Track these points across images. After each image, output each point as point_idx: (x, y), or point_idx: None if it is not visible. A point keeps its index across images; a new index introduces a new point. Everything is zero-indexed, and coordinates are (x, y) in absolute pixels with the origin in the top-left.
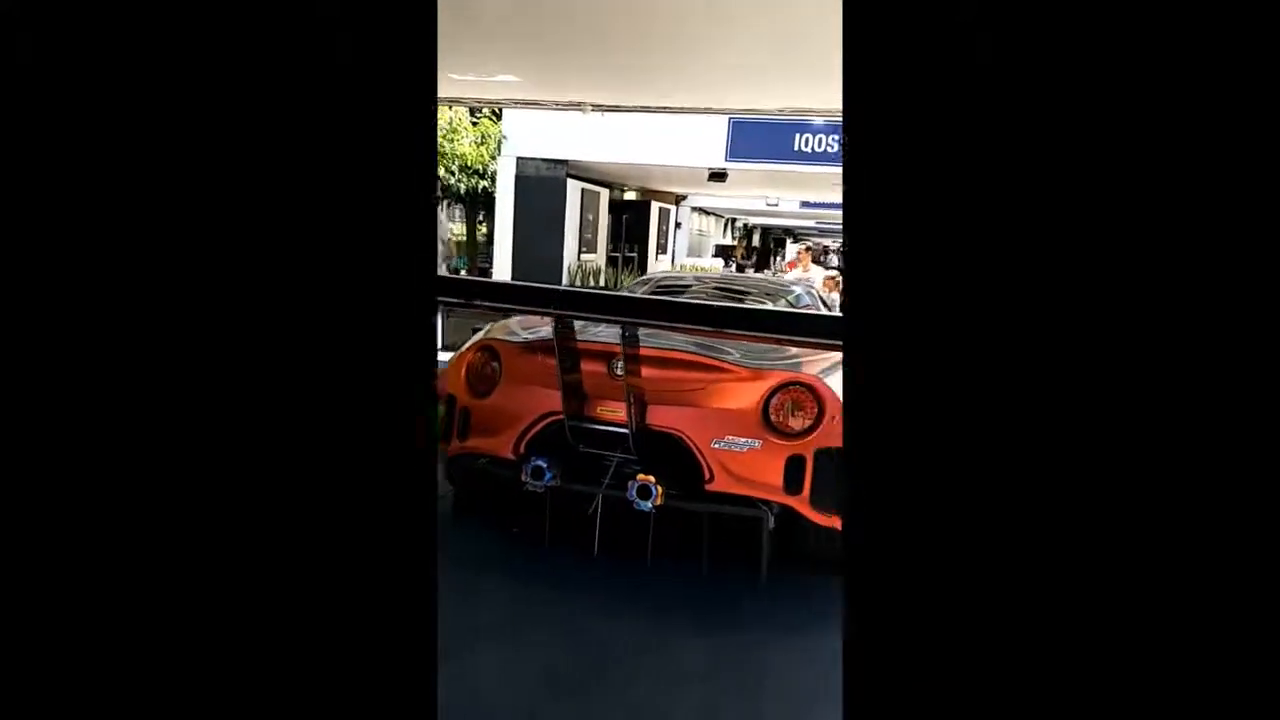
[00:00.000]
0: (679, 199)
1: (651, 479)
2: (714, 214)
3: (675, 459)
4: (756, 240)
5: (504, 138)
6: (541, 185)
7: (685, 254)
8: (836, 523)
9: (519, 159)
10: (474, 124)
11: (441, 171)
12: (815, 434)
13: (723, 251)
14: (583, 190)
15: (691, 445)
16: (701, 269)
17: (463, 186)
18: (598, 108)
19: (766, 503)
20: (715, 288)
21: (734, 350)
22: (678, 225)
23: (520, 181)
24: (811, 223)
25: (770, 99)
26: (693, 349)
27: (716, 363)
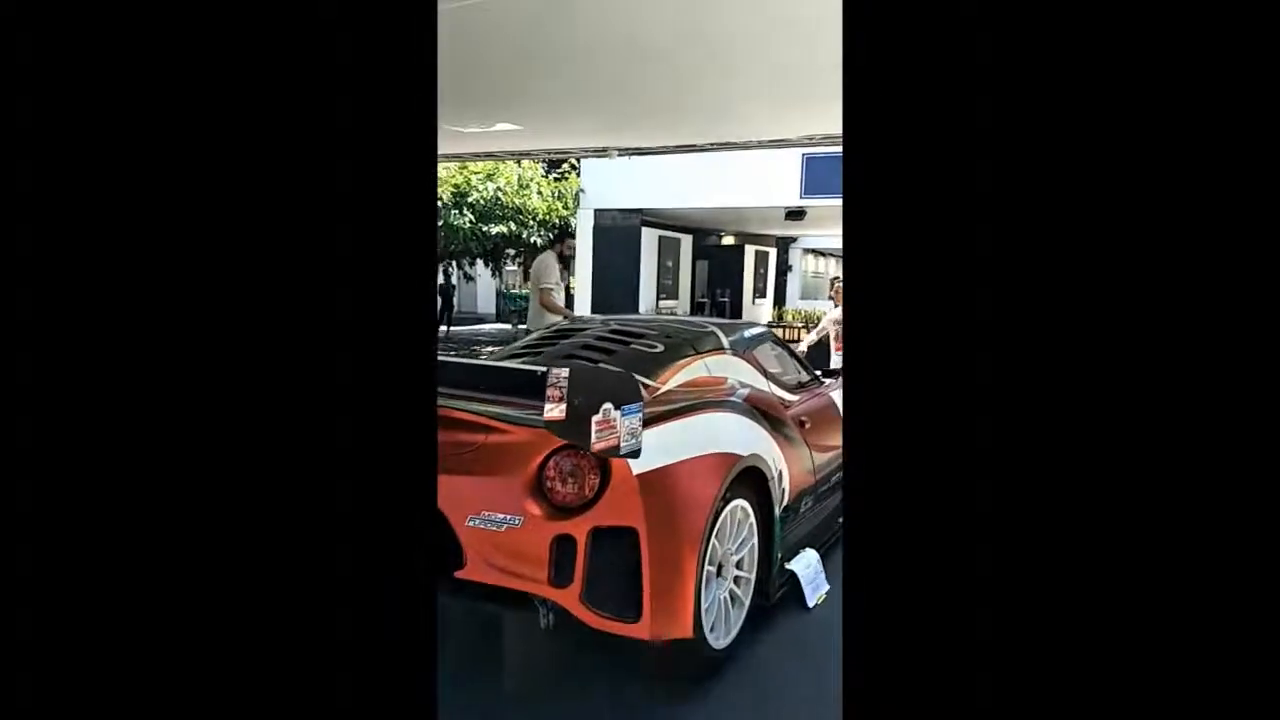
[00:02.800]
0: (782, 241)
1: None
2: (830, 255)
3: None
4: None
5: (582, 191)
6: (617, 235)
7: (799, 297)
8: (618, 627)
9: (596, 211)
10: (559, 179)
11: (514, 226)
12: (595, 508)
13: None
14: (660, 238)
15: (449, 521)
16: (805, 312)
17: (538, 240)
18: (624, 151)
19: (543, 599)
20: (609, 332)
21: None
22: (788, 269)
23: (597, 233)
24: None
25: (787, 127)
26: (474, 408)
27: (493, 423)
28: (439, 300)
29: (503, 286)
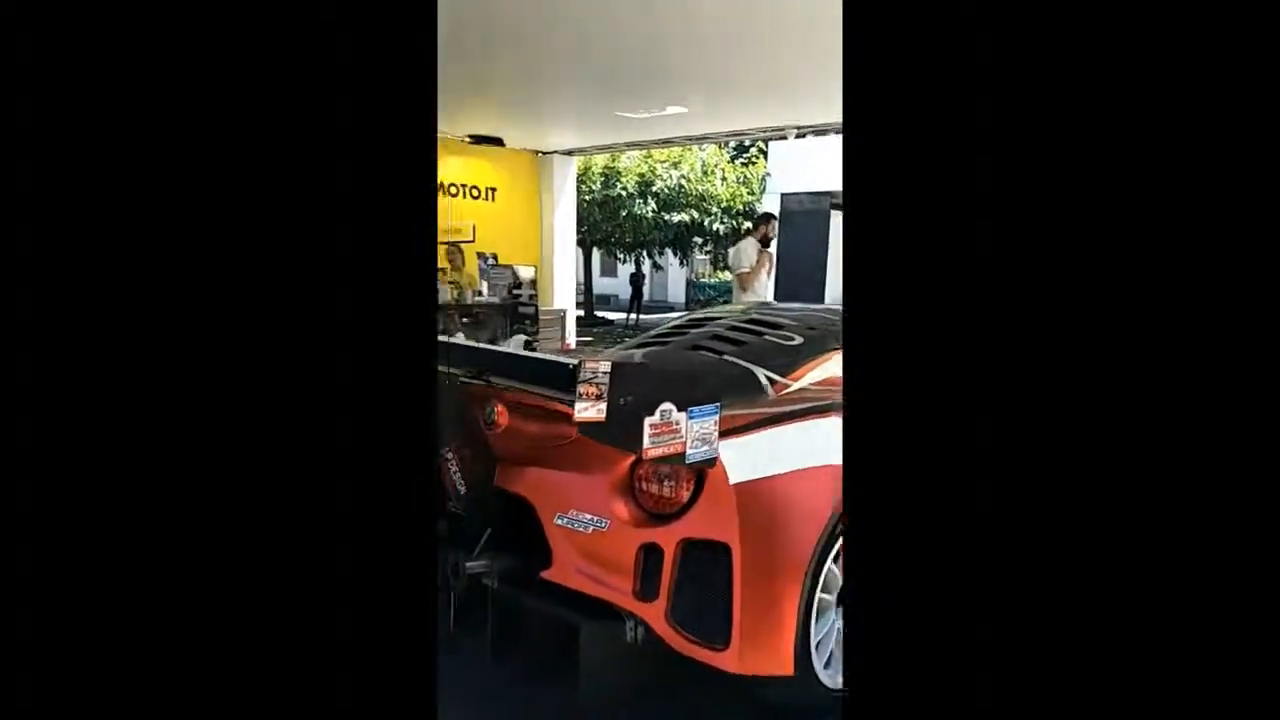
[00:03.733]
0: None
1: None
2: None
3: (522, 533)
4: None
5: (768, 174)
6: (805, 220)
7: None
8: (704, 654)
9: (783, 195)
10: (745, 164)
11: (696, 214)
12: (685, 518)
13: None
14: None
15: (539, 517)
16: None
17: (720, 228)
18: (802, 131)
19: (629, 612)
20: (745, 321)
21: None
22: None
23: (784, 218)
24: None
25: None
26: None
27: None
28: (630, 289)
29: (692, 275)
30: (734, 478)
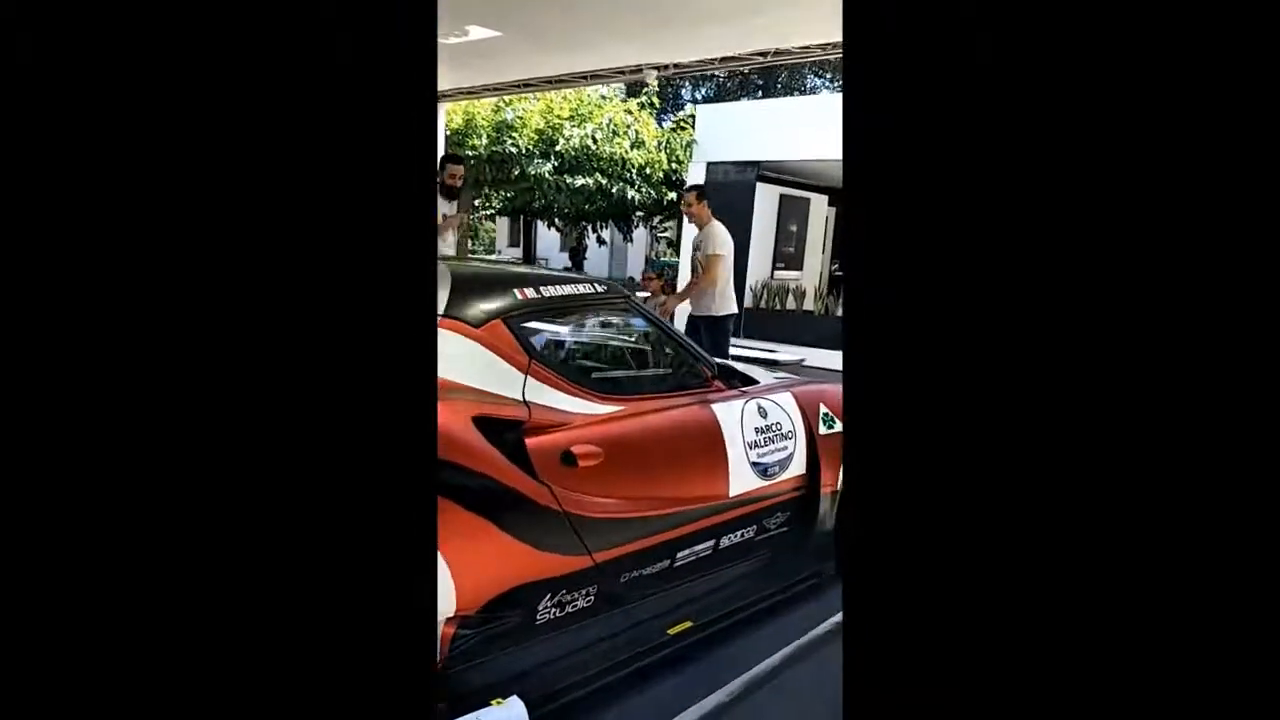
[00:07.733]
0: None
1: None
2: None
3: None
4: None
5: (694, 141)
6: (731, 193)
7: None
8: None
9: (709, 164)
10: (676, 128)
11: (602, 178)
12: None
13: None
14: (781, 196)
15: None
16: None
17: (636, 196)
18: (662, 70)
19: None
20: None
21: None
22: None
23: (710, 187)
24: None
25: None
26: None
27: None
28: (571, 265)
29: (651, 253)
30: None
